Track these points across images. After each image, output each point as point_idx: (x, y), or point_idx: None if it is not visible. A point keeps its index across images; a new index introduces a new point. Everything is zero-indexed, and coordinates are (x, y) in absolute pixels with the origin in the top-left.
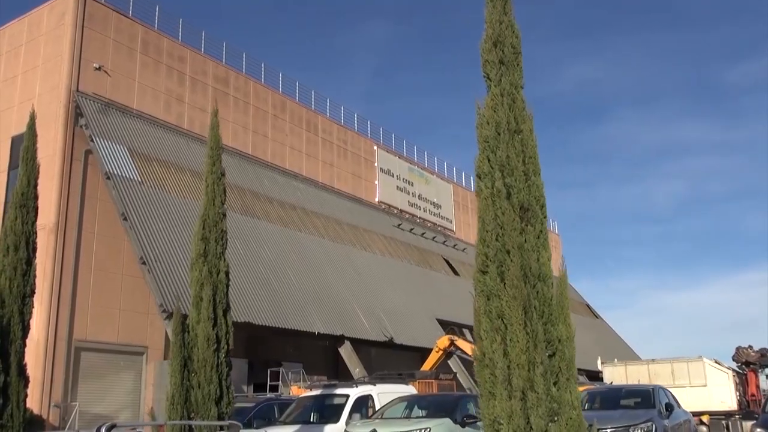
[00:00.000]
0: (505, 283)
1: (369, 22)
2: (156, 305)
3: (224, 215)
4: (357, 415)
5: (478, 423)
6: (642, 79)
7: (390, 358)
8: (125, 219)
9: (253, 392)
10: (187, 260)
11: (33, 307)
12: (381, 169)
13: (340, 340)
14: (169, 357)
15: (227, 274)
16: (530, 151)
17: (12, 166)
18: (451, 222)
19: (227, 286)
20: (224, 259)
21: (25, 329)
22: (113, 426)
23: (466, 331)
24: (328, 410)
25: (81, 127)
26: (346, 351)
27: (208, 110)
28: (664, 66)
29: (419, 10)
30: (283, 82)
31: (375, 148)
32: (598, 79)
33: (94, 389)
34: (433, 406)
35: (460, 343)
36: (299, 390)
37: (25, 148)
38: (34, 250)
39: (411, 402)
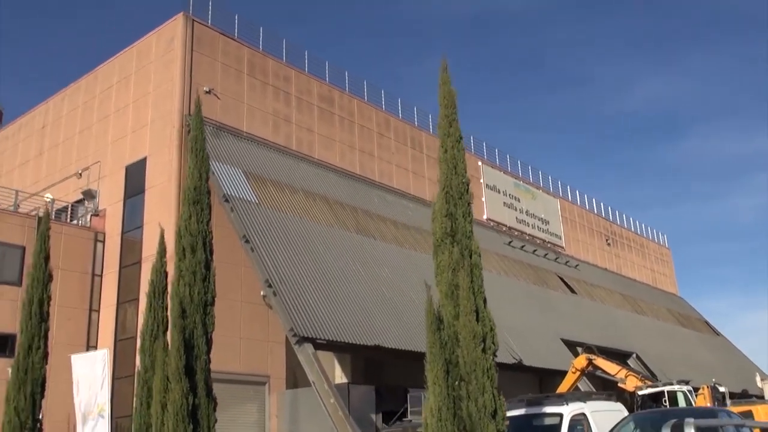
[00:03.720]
0: None
1: (432, 49)
2: (284, 330)
3: (468, 184)
4: None
5: None
6: (717, 92)
7: (507, 381)
8: (246, 241)
9: (382, 422)
10: (313, 281)
11: (215, 317)
12: (487, 185)
13: None
14: (292, 386)
15: (480, 255)
16: None
17: (127, 195)
18: (560, 238)
19: (481, 270)
20: (474, 239)
21: (209, 342)
22: None
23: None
24: None
25: None
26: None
27: (315, 130)
28: (740, 76)
29: (475, 38)
30: (386, 100)
31: (480, 164)
32: (670, 95)
33: (219, 421)
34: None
35: (600, 362)
36: None
37: (193, 138)
38: (212, 251)
39: (640, 420)
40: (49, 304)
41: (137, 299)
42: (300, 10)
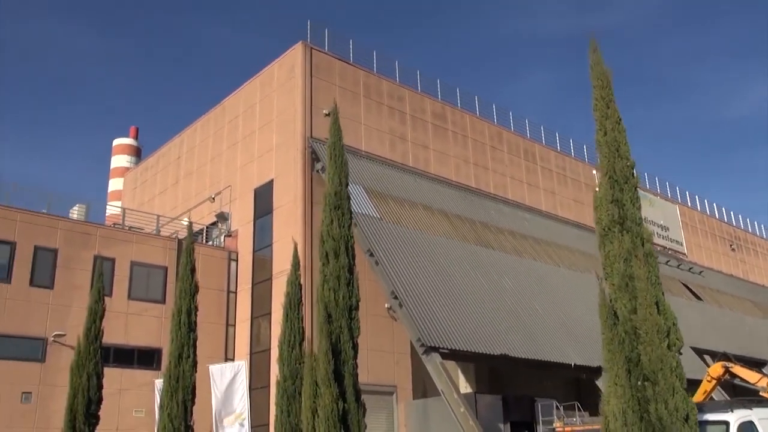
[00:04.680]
0: None
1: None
2: (409, 341)
3: (633, 167)
4: None
5: None
6: None
7: None
8: (371, 255)
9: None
10: (437, 292)
11: (359, 322)
12: None
13: (596, 372)
14: (421, 396)
15: (652, 243)
16: None
17: (257, 215)
18: (681, 245)
19: (657, 259)
20: (645, 226)
21: (355, 347)
22: None
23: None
24: None
25: (317, 171)
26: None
27: (430, 146)
28: None
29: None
30: (498, 114)
31: (594, 172)
32: None
33: None
34: None
35: (737, 369)
36: (568, 427)
37: (331, 145)
38: (354, 255)
39: None
40: (196, 314)
41: (269, 313)
42: (404, 33)
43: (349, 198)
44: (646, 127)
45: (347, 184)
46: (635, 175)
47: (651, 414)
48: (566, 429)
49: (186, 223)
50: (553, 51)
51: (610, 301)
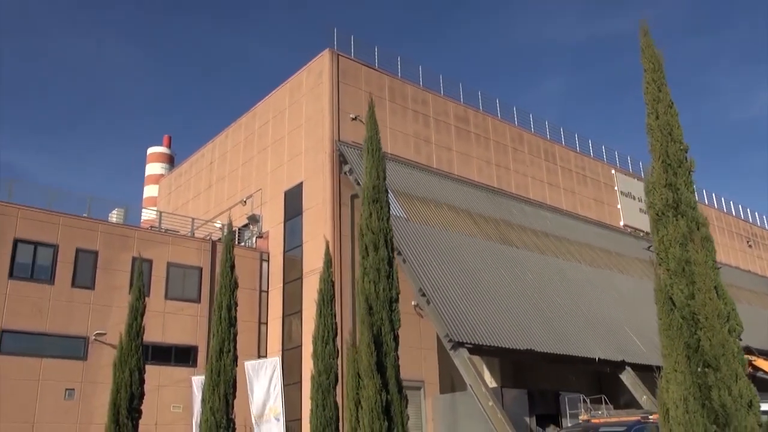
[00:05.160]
0: None
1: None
2: (435, 337)
3: (686, 151)
4: None
5: None
6: None
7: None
8: (399, 254)
9: (536, 425)
10: (463, 289)
11: (400, 313)
12: (621, 192)
13: (619, 366)
14: (448, 391)
15: (708, 227)
16: None
17: (287, 217)
18: None
19: (714, 243)
20: (700, 210)
21: (396, 339)
22: None
23: None
24: None
25: (345, 173)
26: (629, 378)
27: (453, 148)
28: None
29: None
30: (518, 116)
31: (613, 172)
32: None
33: None
34: None
35: (761, 362)
36: (595, 419)
37: (368, 139)
38: (393, 248)
39: None
40: (236, 310)
41: (300, 311)
42: (425, 39)
43: (387, 191)
44: None
45: (385, 178)
46: (689, 159)
47: (714, 401)
48: (593, 421)
49: (219, 226)
50: (565, 57)
51: (665, 286)
